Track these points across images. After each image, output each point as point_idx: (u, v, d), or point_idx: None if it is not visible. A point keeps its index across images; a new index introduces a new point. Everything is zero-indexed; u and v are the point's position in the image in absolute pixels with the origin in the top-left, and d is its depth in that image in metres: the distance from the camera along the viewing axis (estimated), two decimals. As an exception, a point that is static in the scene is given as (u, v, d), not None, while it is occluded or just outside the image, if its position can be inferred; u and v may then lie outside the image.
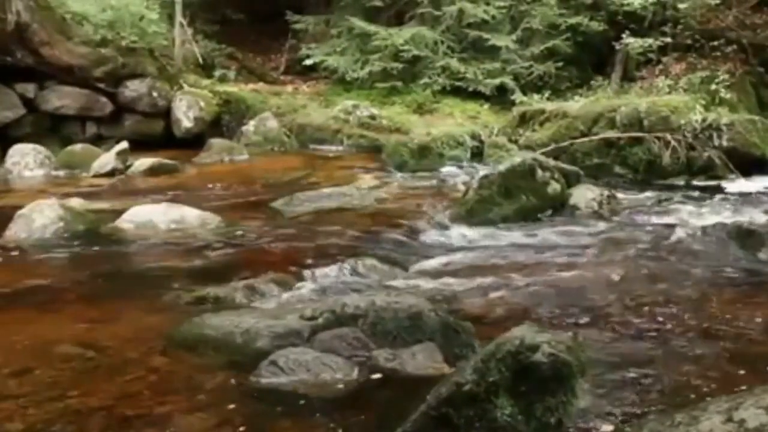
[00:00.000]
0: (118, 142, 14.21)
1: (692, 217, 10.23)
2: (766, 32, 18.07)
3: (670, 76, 17.21)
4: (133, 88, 16.16)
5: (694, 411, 3.84)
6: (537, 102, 16.70)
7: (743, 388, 4.70)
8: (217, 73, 19.31)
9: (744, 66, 17.72)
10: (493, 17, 18.92)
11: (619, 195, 11.24)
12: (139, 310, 6.73)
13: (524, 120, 15.43)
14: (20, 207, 9.33)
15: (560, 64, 18.72)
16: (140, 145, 14.52)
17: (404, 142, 14.76)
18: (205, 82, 17.82)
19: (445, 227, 9.81)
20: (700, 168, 13.22)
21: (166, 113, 16.40)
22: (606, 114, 14.16)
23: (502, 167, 10.53)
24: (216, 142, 15.43)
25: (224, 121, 16.87)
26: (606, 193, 10.87)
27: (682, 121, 13.50)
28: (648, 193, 12.05)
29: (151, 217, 9.50)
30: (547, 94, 17.61)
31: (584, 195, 10.71)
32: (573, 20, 18.82)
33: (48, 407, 4.84)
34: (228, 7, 22.19)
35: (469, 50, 19.07)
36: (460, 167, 14.35)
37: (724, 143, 13.34)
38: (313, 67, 19.84)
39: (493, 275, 7.79)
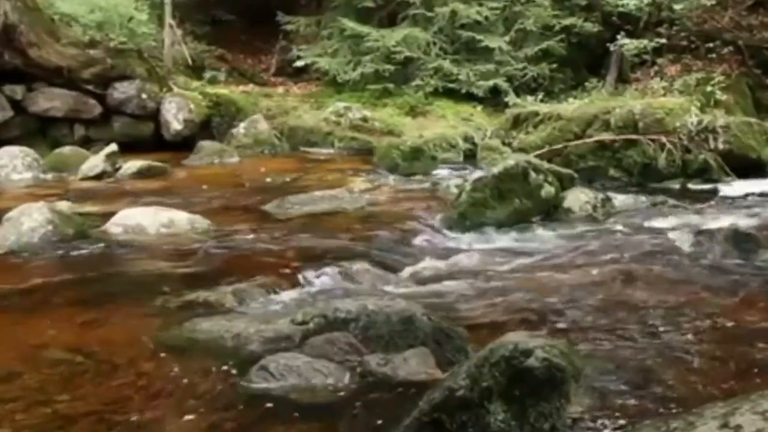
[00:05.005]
0: (106, 144, 14.11)
1: (688, 221, 10.17)
2: (762, 33, 18.09)
3: (666, 78, 17.30)
4: (122, 90, 16.07)
5: (690, 416, 3.79)
6: (531, 104, 16.64)
7: (740, 393, 4.64)
8: (207, 74, 19.30)
9: (740, 67, 17.81)
10: (486, 18, 18.96)
11: (614, 198, 11.17)
12: (129, 315, 6.66)
13: (518, 122, 15.38)
14: (8, 210, 9.23)
15: (554, 65, 18.83)
16: (129, 147, 14.44)
17: (396, 144, 14.69)
18: (195, 83, 17.78)
19: (438, 231, 9.76)
20: (696, 170, 13.16)
21: (156, 115, 16.31)
22: (600, 116, 14.10)
23: (495, 170, 10.44)
24: (206, 145, 15.38)
25: (214, 123, 16.77)
26: (600, 196, 10.81)
27: (678, 124, 13.45)
28: (643, 196, 11.96)
29: (140, 220, 9.42)
30: (540, 95, 17.61)
31: (578, 198, 10.65)
32: (567, 21, 18.90)
33: (36, 412, 4.78)
34: (218, 8, 22.23)
35: (462, 51, 19.08)
36: (453, 170, 14.31)
37: (720, 145, 13.28)
38: (304, 69, 19.90)
39: (486, 279, 7.75)
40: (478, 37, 18.80)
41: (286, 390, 5.01)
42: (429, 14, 19.15)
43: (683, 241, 9.00)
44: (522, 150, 14.02)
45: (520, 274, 7.95)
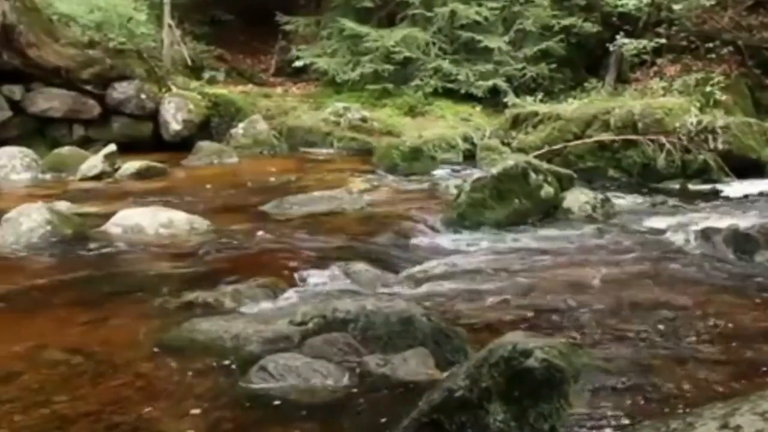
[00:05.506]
0: (105, 144, 14.09)
1: (687, 221, 10.15)
2: (762, 33, 18.05)
3: (665, 78, 17.28)
4: (121, 90, 16.05)
5: (690, 417, 3.77)
6: (530, 104, 16.65)
7: (740, 393, 4.63)
8: (206, 74, 19.28)
9: (740, 68, 17.77)
10: (486, 18, 18.94)
11: (613, 198, 11.16)
12: (128, 315, 6.65)
13: (517, 122, 15.40)
14: (7, 211, 9.23)
15: (554, 65, 18.77)
16: (128, 147, 14.42)
17: (396, 144, 14.68)
18: (194, 84, 17.76)
19: (437, 231, 9.76)
20: (696, 171, 13.19)
21: (155, 115, 16.29)
22: (600, 116, 14.13)
23: (494, 170, 10.44)
24: (205, 145, 15.35)
25: (213, 123, 16.76)
26: (600, 196, 10.80)
27: (677, 124, 13.47)
28: (642, 197, 12.01)
29: (139, 220, 9.41)
30: (540, 96, 17.58)
31: (578, 198, 10.64)
32: (566, 21, 18.86)
33: (35, 413, 4.78)
34: (217, 8, 22.18)
35: (462, 52, 19.05)
36: (453, 170, 14.30)
37: (720, 146, 13.30)
38: (303, 69, 19.85)
39: (485, 280, 7.73)
40: (478, 37, 18.76)
41: (285, 390, 5.01)
42: (428, 14, 19.11)
43: (683, 242, 9.01)
44: (521, 150, 14.06)
45: (519, 275, 7.92)
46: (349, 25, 19.00)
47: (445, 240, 9.48)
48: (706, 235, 8.93)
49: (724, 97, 16.03)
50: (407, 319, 5.72)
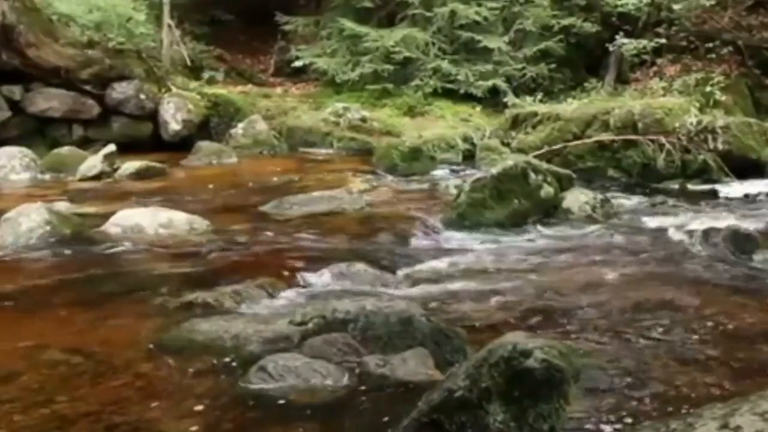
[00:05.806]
0: (105, 144, 14.09)
1: (687, 221, 10.15)
2: (762, 33, 18.05)
3: (665, 78, 17.28)
4: (120, 90, 16.04)
5: (689, 417, 3.76)
6: (530, 104, 16.66)
7: (740, 393, 4.63)
8: (206, 74, 19.26)
9: (740, 68, 17.78)
10: (486, 18, 18.94)
11: (613, 198, 11.16)
12: (127, 315, 6.63)
13: (517, 122, 15.40)
14: (6, 211, 9.22)
15: (553, 65, 18.76)
16: (128, 147, 14.42)
17: (395, 144, 14.66)
18: (193, 84, 17.74)
19: (437, 231, 9.74)
20: (695, 171, 13.18)
21: (154, 116, 16.28)
22: (600, 116, 14.13)
23: (494, 170, 10.43)
24: (204, 145, 15.34)
25: (213, 123, 16.76)
26: (599, 196, 10.80)
27: (677, 124, 13.47)
28: (642, 197, 12.02)
29: (138, 220, 9.39)
30: (539, 96, 17.59)
31: (577, 198, 10.63)
32: (566, 21, 18.85)
33: (34, 413, 4.76)
34: (217, 8, 22.17)
35: (461, 52, 19.05)
36: (452, 170, 14.30)
37: (720, 146, 13.30)
38: (302, 69, 19.84)
39: (485, 280, 7.73)
40: (477, 37, 18.76)
41: (284, 391, 4.99)
42: (428, 14, 19.11)
43: (682, 242, 9.01)
44: (521, 150, 14.07)
45: (519, 275, 7.92)
46: (349, 25, 19.00)
47: (445, 240, 9.47)
48: (706, 235, 8.93)
49: (724, 97, 16.04)
50: (407, 319, 5.70)
